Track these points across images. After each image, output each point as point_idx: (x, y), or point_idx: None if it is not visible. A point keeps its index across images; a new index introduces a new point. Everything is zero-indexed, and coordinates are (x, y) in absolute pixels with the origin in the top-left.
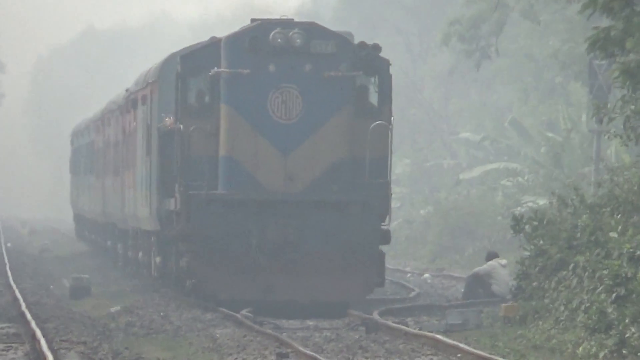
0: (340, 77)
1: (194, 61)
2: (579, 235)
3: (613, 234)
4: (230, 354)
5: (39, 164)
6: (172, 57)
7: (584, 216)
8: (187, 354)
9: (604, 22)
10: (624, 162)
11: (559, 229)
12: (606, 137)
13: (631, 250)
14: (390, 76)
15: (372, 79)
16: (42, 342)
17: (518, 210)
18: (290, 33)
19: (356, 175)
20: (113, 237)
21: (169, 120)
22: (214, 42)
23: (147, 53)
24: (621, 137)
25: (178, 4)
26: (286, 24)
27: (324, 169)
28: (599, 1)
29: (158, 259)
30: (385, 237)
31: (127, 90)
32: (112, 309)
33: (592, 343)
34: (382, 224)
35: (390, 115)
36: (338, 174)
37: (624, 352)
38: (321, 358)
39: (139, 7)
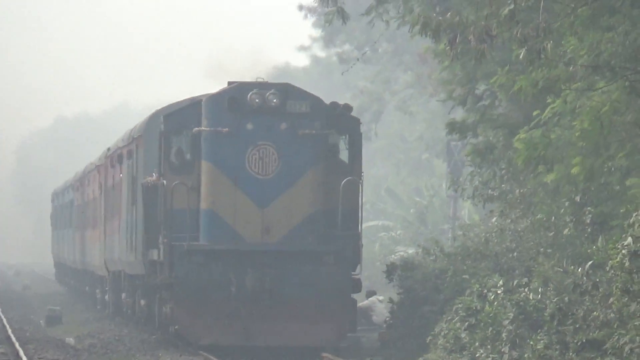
0: (314, 135)
1: (176, 120)
2: (438, 276)
3: (465, 276)
4: None
5: (22, 220)
6: (156, 114)
7: (444, 262)
8: None
9: (458, 112)
10: (474, 220)
11: (423, 273)
12: (461, 200)
13: (479, 289)
14: (360, 134)
15: (343, 137)
16: (24, 359)
17: (392, 258)
18: (267, 94)
19: (329, 227)
20: (91, 282)
21: (153, 176)
22: (195, 102)
23: (108, 138)
24: (472, 201)
25: (136, 93)
26: (263, 85)
27: (299, 221)
28: (455, 97)
29: (143, 302)
30: (357, 286)
31: (108, 150)
32: (66, 340)
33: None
34: (353, 273)
35: (361, 171)
36: (312, 226)
37: None
38: None
39: (101, 98)
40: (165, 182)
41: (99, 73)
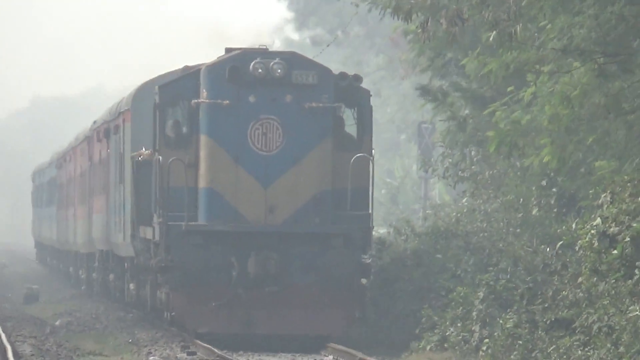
0: (322, 108)
1: (172, 91)
2: (409, 256)
3: (438, 256)
4: (147, 346)
5: (0, 202)
6: (144, 86)
7: (415, 242)
8: (113, 346)
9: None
10: (445, 201)
11: (394, 252)
12: (432, 181)
13: (453, 268)
14: (370, 107)
15: (352, 110)
16: (3, 336)
17: None
18: (271, 63)
19: (338, 207)
20: (75, 262)
21: (144, 151)
22: (192, 72)
23: (83, 120)
24: (444, 181)
25: (110, 77)
26: (266, 54)
27: (305, 200)
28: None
29: (132, 286)
30: (367, 271)
31: (94, 122)
32: (56, 323)
33: (422, 340)
34: (363, 256)
35: (371, 147)
36: (319, 206)
37: (445, 345)
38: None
39: (77, 79)
40: (160, 157)
41: (75, 53)
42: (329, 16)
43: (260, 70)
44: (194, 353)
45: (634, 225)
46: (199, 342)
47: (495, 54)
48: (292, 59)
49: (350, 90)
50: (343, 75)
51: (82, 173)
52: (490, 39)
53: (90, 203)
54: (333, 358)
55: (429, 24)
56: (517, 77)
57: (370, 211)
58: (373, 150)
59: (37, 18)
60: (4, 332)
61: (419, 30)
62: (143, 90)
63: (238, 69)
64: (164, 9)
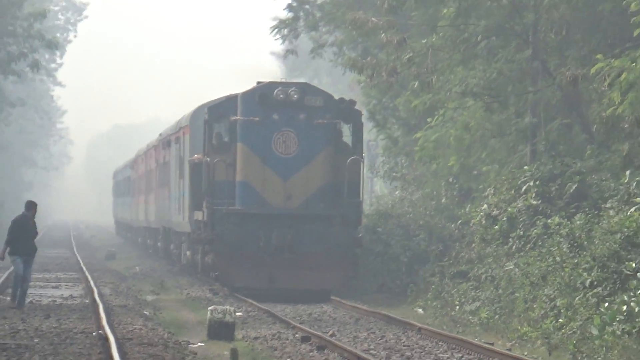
0: (326, 123)
1: (217, 111)
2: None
3: (379, 229)
4: (186, 289)
5: (90, 193)
6: (199, 108)
7: (365, 220)
8: (164, 288)
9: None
10: (384, 193)
11: None
12: (375, 180)
13: (386, 237)
14: (362, 123)
15: (348, 125)
16: (91, 282)
17: None
18: (289, 90)
19: (337, 196)
20: (144, 234)
21: (197, 156)
22: (231, 97)
23: (145, 140)
24: (383, 180)
25: (164, 109)
26: (286, 84)
27: (314, 190)
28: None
29: (188, 253)
30: (358, 242)
31: (160, 135)
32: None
33: (365, 284)
34: (356, 232)
35: (362, 152)
36: (324, 195)
37: (384, 289)
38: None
39: (142, 111)
40: (208, 159)
41: (143, 90)
42: (309, 70)
43: (281, 96)
44: (217, 293)
45: (509, 209)
46: (238, 294)
47: (418, 96)
48: (304, 88)
49: (347, 111)
50: (342, 99)
51: (149, 171)
52: (415, 86)
53: (155, 193)
54: (332, 307)
55: (374, 75)
56: (432, 111)
57: (360, 199)
58: (363, 155)
59: (113, 63)
60: (92, 278)
61: (368, 80)
62: (197, 111)
63: (265, 95)
64: (209, 54)
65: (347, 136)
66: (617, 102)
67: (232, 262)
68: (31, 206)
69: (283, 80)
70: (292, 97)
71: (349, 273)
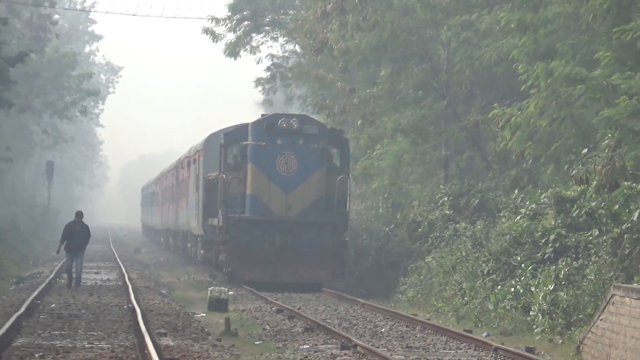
0: (320, 148)
1: (231, 137)
2: None
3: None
4: (192, 275)
5: (123, 204)
6: (212, 135)
7: None
8: (176, 274)
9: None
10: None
11: None
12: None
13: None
14: (348, 148)
15: (337, 150)
16: (123, 269)
17: None
18: (291, 121)
19: (328, 207)
20: (166, 235)
21: (212, 174)
22: (242, 126)
23: (163, 166)
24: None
25: (179, 142)
26: (288, 115)
27: (309, 202)
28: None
29: (202, 251)
30: (345, 245)
31: (179, 158)
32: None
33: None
34: (343, 237)
35: (349, 172)
36: (318, 206)
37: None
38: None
39: (160, 143)
40: (224, 176)
41: (159, 127)
42: (286, 108)
43: (284, 125)
44: (215, 276)
45: (429, 217)
46: (245, 286)
47: (362, 131)
48: (303, 118)
49: (336, 138)
50: (333, 129)
51: (170, 187)
52: (358, 123)
53: (176, 203)
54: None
55: (329, 114)
56: (374, 143)
57: (347, 210)
58: (350, 174)
59: (141, 105)
60: (123, 267)
61: (328, 118)
62: (210, 138)
63: (271, 124)
64: (218, 89)
65: (336, 160)
66: (507, 139)
67: (242, 260)
68: (78, 215)
69: (285, 112)
70: (293, 126)
71: (337, 269)
